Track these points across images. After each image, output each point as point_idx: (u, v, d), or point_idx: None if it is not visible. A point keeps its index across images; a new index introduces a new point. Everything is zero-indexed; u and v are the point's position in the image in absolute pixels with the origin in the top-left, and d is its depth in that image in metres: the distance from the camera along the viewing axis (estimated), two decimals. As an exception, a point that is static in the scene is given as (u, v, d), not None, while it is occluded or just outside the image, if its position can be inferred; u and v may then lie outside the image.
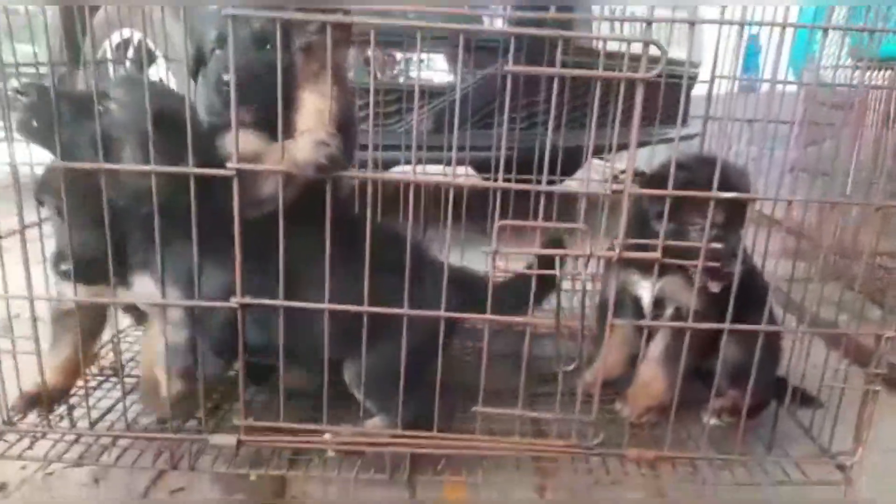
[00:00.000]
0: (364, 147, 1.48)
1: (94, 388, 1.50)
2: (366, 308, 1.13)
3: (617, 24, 2.53)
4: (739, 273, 1.21)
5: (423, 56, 2.64)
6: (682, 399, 1.32)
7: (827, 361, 1.32)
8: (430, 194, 1.63)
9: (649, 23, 1.02)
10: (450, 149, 1.11)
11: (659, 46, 0.99)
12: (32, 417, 1.34)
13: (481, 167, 3.22)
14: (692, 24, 1.09)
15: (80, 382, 1.41)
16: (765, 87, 1.36)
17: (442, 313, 1.13)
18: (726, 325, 1.16)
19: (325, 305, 1.12)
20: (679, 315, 1.40)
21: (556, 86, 1.04)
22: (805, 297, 1.36)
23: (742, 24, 1.10)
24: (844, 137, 1.89)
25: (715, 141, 1.61)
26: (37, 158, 1.23)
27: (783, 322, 1.52)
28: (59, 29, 1.33)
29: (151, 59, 2.66)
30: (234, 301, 1.14)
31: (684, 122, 3.49)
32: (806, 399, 1.44)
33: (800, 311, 1.47)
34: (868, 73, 1.88)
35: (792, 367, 1.38)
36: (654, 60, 1.01)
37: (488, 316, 1.12)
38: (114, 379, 1.56)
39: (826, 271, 1.41)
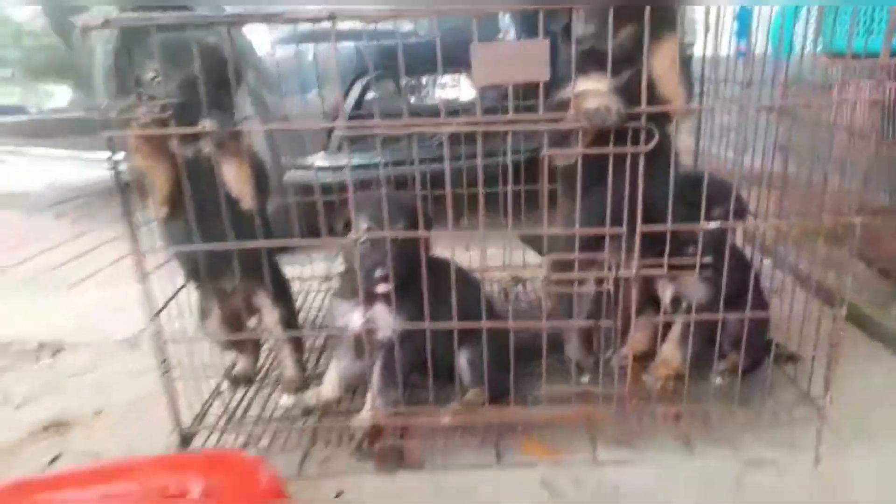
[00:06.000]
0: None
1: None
2: (484, 323, 1.60)
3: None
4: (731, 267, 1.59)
5: (448, 77, 3.03)
6: (694, 365, 1.75)
7: (805, 313, 1.70)
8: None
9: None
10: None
11: (651, 129, 1.39)
12: (209, 419, 1.82)
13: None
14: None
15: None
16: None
17: (510, 324, 1.56)
18: (720, 315, 1.58)
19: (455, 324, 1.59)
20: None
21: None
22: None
23: None
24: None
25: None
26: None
27: (772, 278, 1.91)
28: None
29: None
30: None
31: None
32: (790, 356, 1.88)
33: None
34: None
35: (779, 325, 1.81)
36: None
37: (543, 323, 1.55)
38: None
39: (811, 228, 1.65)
